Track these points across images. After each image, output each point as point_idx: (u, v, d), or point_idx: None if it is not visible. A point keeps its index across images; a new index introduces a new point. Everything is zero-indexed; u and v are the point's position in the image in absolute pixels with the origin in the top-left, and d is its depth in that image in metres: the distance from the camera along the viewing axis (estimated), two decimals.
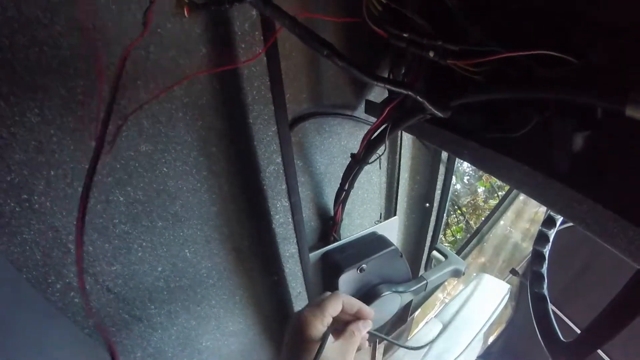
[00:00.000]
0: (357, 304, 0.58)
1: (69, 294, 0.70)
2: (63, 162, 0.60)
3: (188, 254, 0.83)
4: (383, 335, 0.69)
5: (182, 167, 0.73)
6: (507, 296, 1.92)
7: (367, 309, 0.58)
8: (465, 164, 3.52)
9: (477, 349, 2.05)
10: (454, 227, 4.00)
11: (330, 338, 0.52)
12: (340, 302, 0.55)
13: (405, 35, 0.58)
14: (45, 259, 0.65)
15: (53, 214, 0.62)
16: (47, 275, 0.67)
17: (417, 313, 1.86)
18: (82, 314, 0.74)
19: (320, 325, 0.51)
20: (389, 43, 0.62)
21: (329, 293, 0.57)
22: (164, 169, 0.71)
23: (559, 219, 0.84)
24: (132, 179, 0.69)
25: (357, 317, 0.58)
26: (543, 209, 2.28)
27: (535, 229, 2.63)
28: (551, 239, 0.84)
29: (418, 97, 0.59)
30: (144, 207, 0.72)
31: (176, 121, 0.69)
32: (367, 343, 0.64)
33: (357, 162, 0.83)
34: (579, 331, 0.70)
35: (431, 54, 0.57)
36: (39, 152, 0.58)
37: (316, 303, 0.54)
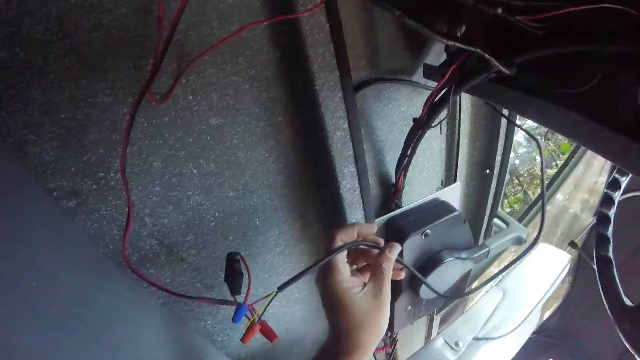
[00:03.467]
0: (372, 224, 0.62)
1: (144, 265, 0.74)
2: (137, 138, 0.63)
3: (257, 223, 0.86)
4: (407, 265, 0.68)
5: (251, 138, 0.75)
6: (568, 267, 1.84)
7: None
8: (521, 133, 3.36)
9: (534, 322, 1.99)
10: (511, 198, 3.83)
11: (357, 288, 0.55)
12: (355, 230, 0.59)
13: None
14: (121, 233, 0.68)
15: (129, 189, 0.64)
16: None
17: (474, 285, 1.83)
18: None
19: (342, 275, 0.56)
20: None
21: None
22: (234, 141, 0.73)
23: (624, 180, 0.82)
24: (204, 151, 0.71)
25: (377, 242, 0.61)
26: (602, 178, 2.16)
27: (594, 199, 2.48)
28: (616, 202, 0.82)
29: (486, 54, 0.58)
30: (216, 179, 0.75)
31: (243, 93, 0.70)
32: (402, 273, 0.66)
33: (420, 127, 0.81)
34: None
35: (499, 11, 0.56)
36: (113, 130, 0.60)
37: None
